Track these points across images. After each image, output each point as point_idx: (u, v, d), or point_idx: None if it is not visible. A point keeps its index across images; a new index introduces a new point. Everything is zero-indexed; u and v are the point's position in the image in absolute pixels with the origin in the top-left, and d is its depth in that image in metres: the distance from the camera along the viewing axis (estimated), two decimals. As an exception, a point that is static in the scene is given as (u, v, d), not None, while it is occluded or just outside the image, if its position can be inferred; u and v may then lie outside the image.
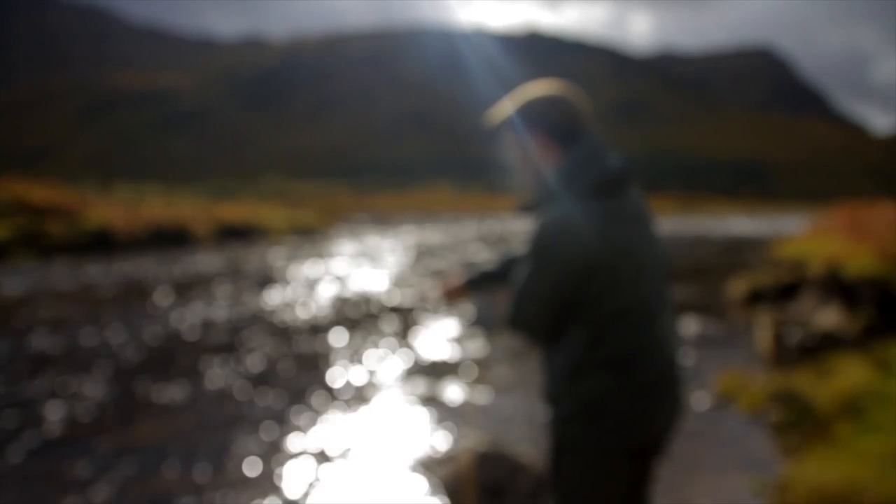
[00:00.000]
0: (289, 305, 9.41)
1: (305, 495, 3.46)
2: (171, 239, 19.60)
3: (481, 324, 2.09)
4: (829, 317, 6.62)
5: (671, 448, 1.80)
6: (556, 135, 1.71)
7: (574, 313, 1.61)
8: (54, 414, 4.72)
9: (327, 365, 6.18)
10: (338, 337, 7.40)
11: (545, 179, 1.70)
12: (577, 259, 1.56)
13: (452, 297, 2.22)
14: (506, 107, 1.78)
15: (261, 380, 5.66)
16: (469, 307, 2.17)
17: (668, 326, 1.68)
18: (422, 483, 3.58)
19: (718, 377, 5.38)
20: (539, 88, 1.77)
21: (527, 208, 1.76)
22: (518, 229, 29.75)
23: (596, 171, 1.63)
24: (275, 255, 17.26)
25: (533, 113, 1.74)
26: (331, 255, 17.52)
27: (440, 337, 7.42)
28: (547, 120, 1.72)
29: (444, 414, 4.80)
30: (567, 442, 1.67)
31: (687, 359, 6.24)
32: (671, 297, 1.74)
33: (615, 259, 1.57)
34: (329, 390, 5.36)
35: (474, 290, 2.18)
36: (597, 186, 1.61)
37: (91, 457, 3.96)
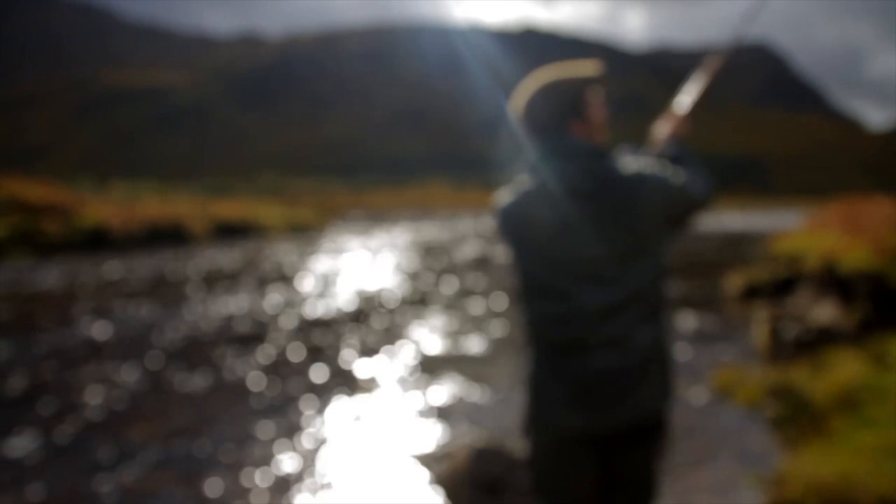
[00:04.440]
0: (290, 303, 9.41)
1: (303, 491, 3.46)
2: (168, 237, 19.57)
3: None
4: (825, 311, 6.64)
5: (654, 442, 1.80)
6: (529, 132, 1.80)
7: (517, 289, 1.79)
8: (88, 401, 4.93)
9: (327, 361, 6.18)
10: (337, 334, 7.40)
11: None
12: (504, 242, 1.77)
13: (681, 128, 2.06)
14: (510, 100, 1.85)
15: (268, 375, 5.68)
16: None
17: (618, 322, 1.64)
18: (419, 479, 3.59)
19: (715, 372, 5.39)
20: (539, 78, 1.79)
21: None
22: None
23: (541, 177, 1.71)
24: (273, 253, 17.24)
25: (513, 112, 1.83)
26: (328, 253, 17.51)
27: (438, 332, 7.42)
28: (525, 116, 1.80)
29: (441, 409, 4.80)
30: (524, 423, 1.77)
31: (683, 354, 6.26)
32: (652, 299, 1.69)
33: (530, 263, 1.71)
34: (328, 387, 5.36)
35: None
36: (545, 191, 1.69)
37: (121, 443, 4.13)
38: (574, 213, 1.66)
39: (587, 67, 1.78)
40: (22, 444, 4.12)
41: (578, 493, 1.73)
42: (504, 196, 1.77)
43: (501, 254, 17.15)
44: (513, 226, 1.73)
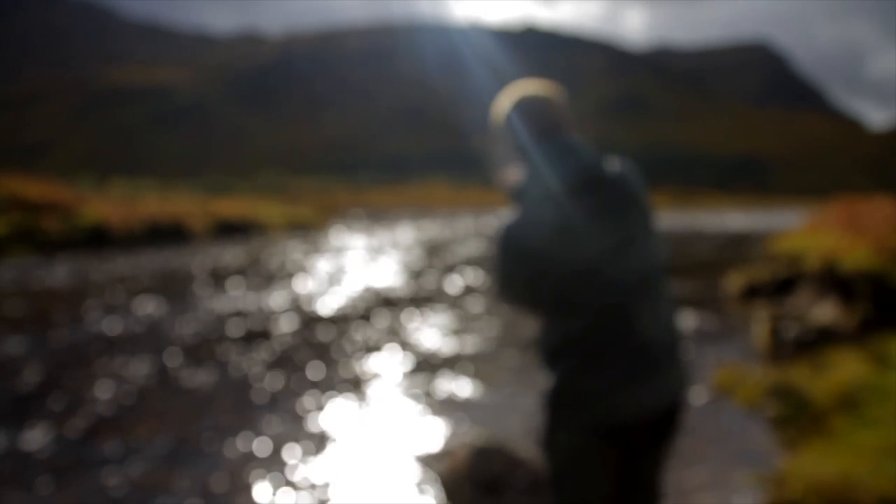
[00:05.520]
0: (292, 301, 9.41)
1: (306, 487, 3.46)
2: (168, 235, 19.56)
3: None
4: (825, 311, 6.64)
5: (671, 435, 1.82)
6: (521, 142, 1.83)
7: (545, 304, 1.74)
8: (97, 396, 5.01)
9: (329, 359, 6.19)
10: (339, 331, 7.40)
11: (515, 181, 1.84)
12: (525, 264, 1.72)
13: (502, 189, 2.26)
14: (498, 108, 1.91)
15: (272, 372, 5.71)
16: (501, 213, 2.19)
17: (651, 315, 1.72)
18: (419, 478, 3.59)
19: (715, 371, 5.39)
20: (514, 92, 1.88)
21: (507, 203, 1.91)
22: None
23: (556, 175, 1.74)
24: (275, 251, 17.25)
25: (501, 120, 1.88)
26: (329, 251, 17.51)
27: (439, 331, 7.42)
28: (513, 128, 1.85)
29: (442, 408, 4.80)
30: (548, 423, 1.77)
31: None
32: (662, 285, 1.79)
33: (565, 264, 1.68)
34: (330, 384, 5.36)
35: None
36: (558, 188, 1.72)
37: (129, 438, 4.20)
38: (598, 200, 1.72)
39: (549, 86, 1.90)
40: (33, 438, 4.18)
41: (604, 493, 1.76)
42: (510, 216, 1.76)
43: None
44: (534, 237, 1.70)
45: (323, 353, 6.46)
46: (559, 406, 1.73)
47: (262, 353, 6.41)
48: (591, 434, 1.70)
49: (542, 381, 1.79)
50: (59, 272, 12.22)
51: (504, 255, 1.75)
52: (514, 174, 2.24)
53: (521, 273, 1.74)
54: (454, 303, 9.38)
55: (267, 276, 12.07)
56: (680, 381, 1.78)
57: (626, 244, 1.72)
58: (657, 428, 1.77)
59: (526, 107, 1.83)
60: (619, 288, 1.69)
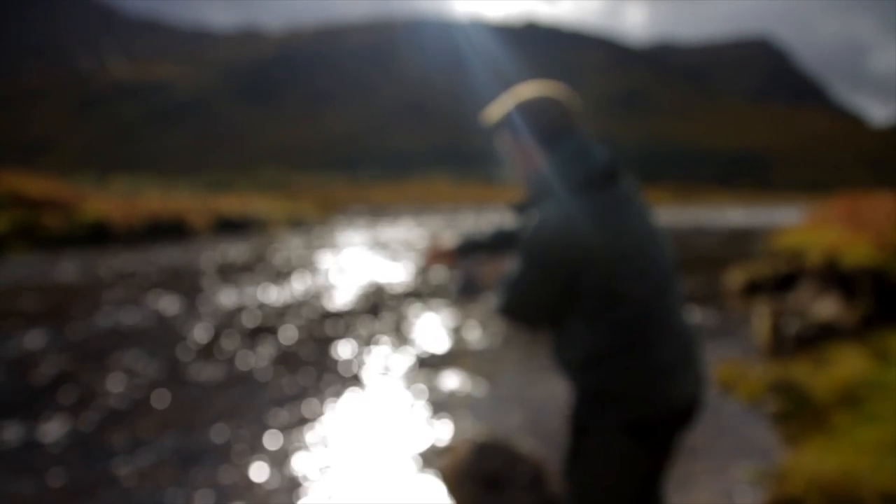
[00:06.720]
0: (295, 297, 9.42)
1: (308, 482, 3.47)
2: (169, 231, 19.58)
3: (463, 291, 2.12)
4: (826, 307, 6.63)
5: (685, 431, 1.82)
6: (540, 139, 1.79)
7: (576, 305, 1.69)
8: (108, 390, 5.08)
9: (332, 354, 6.20)
10: (342, 327, 7.41)
11: (535, 180, 1.79)
12: (568, 257, 1.64)
13: (440, 260, 2.30)
14: (498, 108, 1.86)
15: (276, 367, 5.73)
16: (455, 273, 2.20)
17: (677, 307, 1.75)
18: (420, 473, 3.59)
19: (717, 367, 5.39)
20: (525, 92, 1.84)
21: (520, 207, 1.86)
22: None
23: (581, 170, 1.71)
24: (276, 248, 17.25)
25: (518, 118, 1.82)
26: (330, 248, 17.52)
27: (439, 327, 7.43)
28: (530, 125, 1.80)
29: (443, 404, 4.81)
30: (584, 425, 1.75)
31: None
32: (679, 281, 1.81)
33: (608, 252, 1.63)
34: (333, 379, 5.37)
35: (463, 256, 2.25)
36: (583, 183, 1.69)
37: (139, 431, 4.25)
38: (618, 193, 1.72)
39: (557, 86, 1.87)
40: (46, 430, 4.24)
41: (633, 494, 1.76)
42: (534, 219, 1.68)
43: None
44: (573, 227, 1.62)
45: (326, 349, 6.47)
46: (599, 407, 1.71)
47: (268, 349, 6.44)
48: (627, 433, 1.69)
49: (573, 388, 1.77)
50: (64, 268, 12.24)
51: (538, 251, 1.66)
52: (449, 238, 2.25)
53: (557, 270, 1.65)
54: (457, 299, 9.38)
55: (270, 273, 12.08)
56: (697, 377, 1.77)
57: (650, 234, 1.74)
58: (679, 423, 1.77)
59: (540, 107, 1.79)
60: (655, 278, 1.69)
